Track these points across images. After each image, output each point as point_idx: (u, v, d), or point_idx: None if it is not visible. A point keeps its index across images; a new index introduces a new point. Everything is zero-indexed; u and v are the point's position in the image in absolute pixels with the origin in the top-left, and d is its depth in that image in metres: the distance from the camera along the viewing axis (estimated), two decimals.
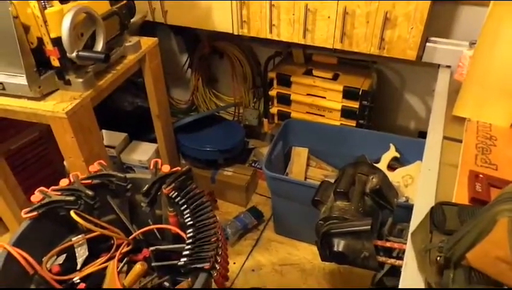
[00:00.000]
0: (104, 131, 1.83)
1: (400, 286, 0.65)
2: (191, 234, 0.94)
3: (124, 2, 1.34)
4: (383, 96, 1.80)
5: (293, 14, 1.41)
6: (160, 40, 1.54)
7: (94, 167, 1.13)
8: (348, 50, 1.41)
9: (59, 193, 1.04)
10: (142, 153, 1.77)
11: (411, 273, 0.65)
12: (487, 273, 0.49)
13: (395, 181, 1.59)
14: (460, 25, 1.49)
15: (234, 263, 1.64)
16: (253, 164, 2.05)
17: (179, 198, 1.03)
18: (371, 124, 1.72)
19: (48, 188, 1.03)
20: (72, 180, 1.07)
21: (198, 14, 1.58)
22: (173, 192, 1.04)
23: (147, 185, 1.07)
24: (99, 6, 1.21)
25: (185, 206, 1.02)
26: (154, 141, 1.84)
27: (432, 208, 0.70)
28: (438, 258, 0.59)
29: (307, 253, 1.67)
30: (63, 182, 1.08)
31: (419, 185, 0.82)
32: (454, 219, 0.68)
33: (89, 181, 1.08)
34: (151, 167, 1.11)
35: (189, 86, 2.28)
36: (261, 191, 1.97)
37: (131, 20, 1.45)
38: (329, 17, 1.35)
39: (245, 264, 1.65)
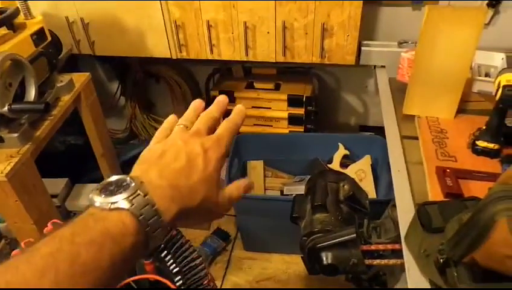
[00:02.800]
0: None
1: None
2: (181, 281, 0.89)
3: (49, 39, 1.22)
4: (323, 98, 1.88)
5: (232, 33, 1.41)
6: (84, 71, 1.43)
7: (48, 229, 1.01)
8: (291, 62, 1.44)
9: None
10: None
11: (415, 277, 0.69)
12: (497, 271, 0.54)
13: None
14: (382, 26, 1.62)
15: None
16: None
17: None
18: (317, 127, 1.79)
19: None
20: None
21: (130, 41, 1.50)
22: None
23: None
24: (24, 50, 1.08)
25: (165, 252, 0.96)
26: (98, 180, 1.69)
27: (417, 210, 0.75)
28: (441, 260, 0.63)
29: (280, 264, 1.68)
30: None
31: (395, 189, 0.87)
32: (437, 216, 0.74)
33: None
34: None
35: (124, 114, 2.15)
36: None
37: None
38: (268, 32, 1.37)
39: (222, 288, 1.61)
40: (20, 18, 1.16)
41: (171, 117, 0.48)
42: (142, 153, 0.42)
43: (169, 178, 0.38)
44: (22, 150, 1.04)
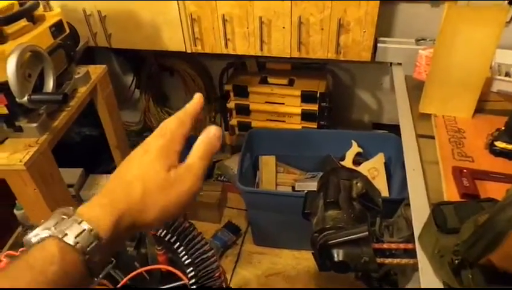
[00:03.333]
0: None
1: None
2: (193, 273, 0.90)
3: (67, 32, 1.23)
4: (337, 95, 1.87)
5: (247, 28, 1.40)
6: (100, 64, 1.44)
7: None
8: (306, 57, 1.43)
9: None
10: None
11: (428, 277, 0.68)
12: None
13: None
14: (399, 23, 1.59)
15: None
16: (219, 178, 2.02)
17: (169, 236, 0.98)
18: (330, 123, 1.78)
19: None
20: None
21: (146, 35, 1.51)
22: (161, 230, 0.99)
23: None
24: (43, 41, 1.10)
25: (178, 243, 0.97)
26: (112, 171, 1.73)
27: (432, 210, 0.74)
28: (456, 261, 0.63)
29: (289, 259, 1.69)
30: None
31: (410, 188, 0.86)
32: (453, 217, 0.73)
33: None
34: None
35: (138, 106, 2.17)
36: (232, 204, 1.95)
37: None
38: (284, 27, 1.37)
39: (231, 281, 1.62)
40: (40, 10, 1.17)
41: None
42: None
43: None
44: (40, 140, 1.06)
